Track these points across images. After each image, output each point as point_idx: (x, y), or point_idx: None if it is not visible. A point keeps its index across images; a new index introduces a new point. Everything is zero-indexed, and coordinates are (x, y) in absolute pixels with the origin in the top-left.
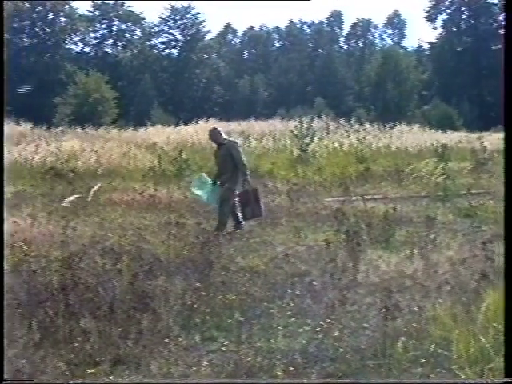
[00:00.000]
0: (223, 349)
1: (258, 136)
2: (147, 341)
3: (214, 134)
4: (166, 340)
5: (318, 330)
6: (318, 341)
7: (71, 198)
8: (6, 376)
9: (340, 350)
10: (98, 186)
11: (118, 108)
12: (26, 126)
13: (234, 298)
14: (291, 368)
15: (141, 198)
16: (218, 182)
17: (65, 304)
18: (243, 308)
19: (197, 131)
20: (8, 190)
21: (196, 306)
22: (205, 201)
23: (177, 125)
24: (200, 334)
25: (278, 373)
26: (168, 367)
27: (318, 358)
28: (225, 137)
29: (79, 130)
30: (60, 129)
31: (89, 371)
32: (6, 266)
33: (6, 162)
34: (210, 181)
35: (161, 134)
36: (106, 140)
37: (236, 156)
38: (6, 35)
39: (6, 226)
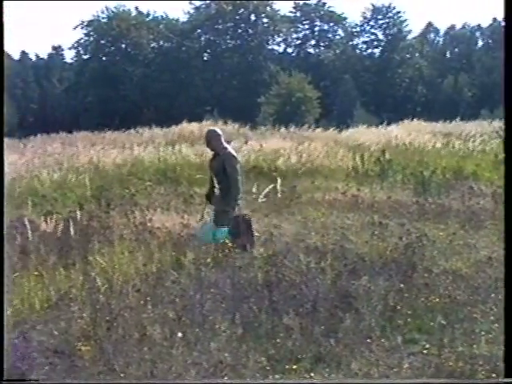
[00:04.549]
0: (424, 352)
1: (463, 137)
2: (349, 340)
3: (211, 138)
4: (368, 340)
5: None
6: None
7: (265, 192)
8: (5, 376)
9: None
10: (273, 185)
11: (320, 108)
12: (231, 126)
13: (436, 300)
14: (493, 375)
15: (343, 197)
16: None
17: (269, 300)
18: (445, 311)
19: (400, 131)
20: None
21: (398, 307)
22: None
23: (379, 125)
24: (402, 335)
25: None
26: (368, 368)
27: None
28: (225, 145)
29: (283, 129)
30: (264, 128)
31: (290, 367)
32: (210, 260)
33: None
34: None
35: (363, 134)
36: (309, 139)
37: (230, 173)
38: (210, 36)
39: None
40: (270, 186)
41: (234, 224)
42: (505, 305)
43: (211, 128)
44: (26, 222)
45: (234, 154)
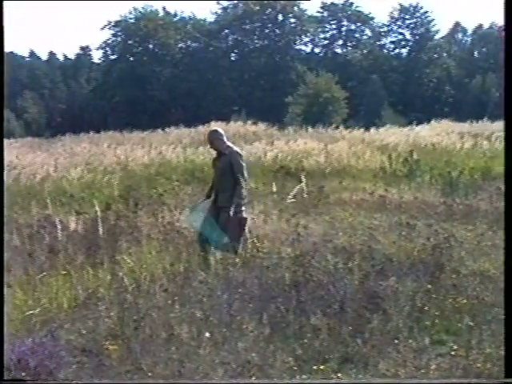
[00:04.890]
0: (452, 353)
1: (491, 137)
2: (376, 341)
3: (214, 139)
4: (395, 341)
5: None
6: None
7: (294, 192)
8: (5, 376)
9: None
10: (301, 185)
11: (348, 108)
12: (258, 126)
13: (464, 301)
14: None
15: (371, 197)
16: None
17: (296, 300)
18: (473, 312)
19: (428, 132)
20: None
21: (426, 308)
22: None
23: (407, 125)
24: (429, 336)
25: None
26: (396, 368)
27: None
28: (228, 144)
29: (310, 129)
30: (291, 128)
31: (317, 368)
32: (238, 261)
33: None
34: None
35: (391, 134)
36: (337, 140)
37: (236, 169)
38: (237, 37)
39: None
40: (298, 187)
41: (228, 221)
42: (505, 304)
43: (213, 129)
44: (57, 222)
45: (239, 151)
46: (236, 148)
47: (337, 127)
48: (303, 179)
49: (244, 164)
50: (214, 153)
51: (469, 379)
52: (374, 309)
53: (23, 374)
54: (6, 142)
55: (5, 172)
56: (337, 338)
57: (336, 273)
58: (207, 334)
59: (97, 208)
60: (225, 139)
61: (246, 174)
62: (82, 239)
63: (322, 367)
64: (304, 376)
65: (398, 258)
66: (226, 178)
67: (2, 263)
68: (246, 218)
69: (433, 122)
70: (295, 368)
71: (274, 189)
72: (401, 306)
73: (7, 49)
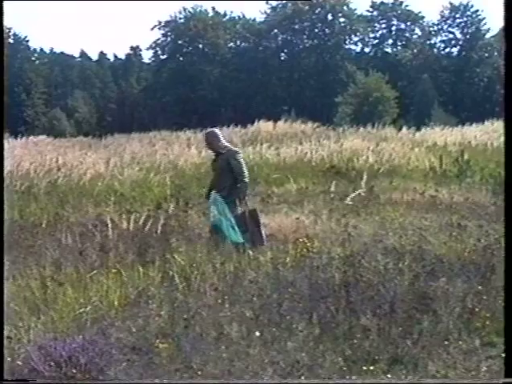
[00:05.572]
0: (503, 355)
1: None
2: (426, 342)
3: (210, 139)
4: (446, 342)
5: None
6: None
7: (353, 195)
8: (5, 376)
9: None
10: (358, 192)
11: (398, 108)
12: (307, 126)
13: None
14: None
15: (421, 198)
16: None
17: (346, 300)
18: None
19: (479, 131)
20: (290, 187)
21: (477, 309)
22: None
23: (458, 125)
24: (479, 338)
25: None
26: (446, 370)
27: None
28: (225, 144)
29: (361, 129)
30: (342, 128)
31: (366, 368)
32: (288, 260)
33: (289, 160)
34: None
35: (441, 134)
36: (387, 139)
37: (236, 168)
38: (286, 36)
39: (286, 222)
40: (357, 192)
41: (241, 219)
42: (505, 305)
43: (209, 130)
44: (108, 220)
45: (237, 149)
46: (232, 147)
47: (385, 126)
48: (364, 179)
49: (242, 161)
50: (212, 155)
51: (469, 379)
52: (424, 310)
53: (74, 370)
54: (57, 141)
55: (59, 171)
56: (386, 338)
57: (386, 273)
58: (257, 334)
59: (148, 207)
60: (222, 139)
61: (245, 171)
62: (133, 238)
63: (371, 368)
64: (353, 376)
65: (449, 258)
66: (224, 176)
67: (2, 262)
68: (255, 210)
69: (484, 121)
70: (344, 368)
71: (332, 188)
72: (451, 307)
73: (58, 49)
